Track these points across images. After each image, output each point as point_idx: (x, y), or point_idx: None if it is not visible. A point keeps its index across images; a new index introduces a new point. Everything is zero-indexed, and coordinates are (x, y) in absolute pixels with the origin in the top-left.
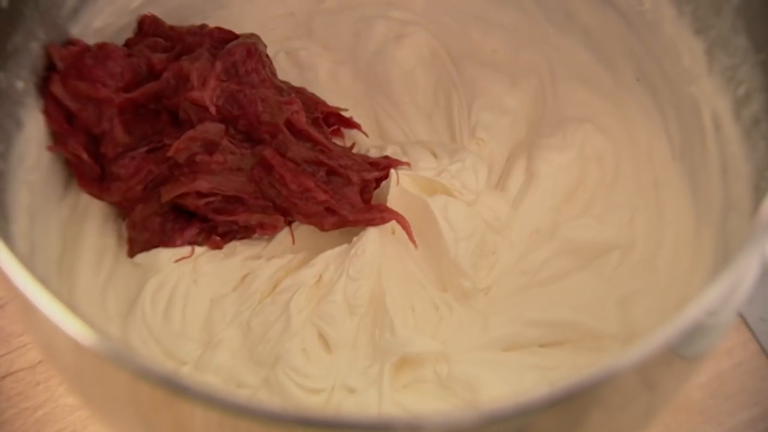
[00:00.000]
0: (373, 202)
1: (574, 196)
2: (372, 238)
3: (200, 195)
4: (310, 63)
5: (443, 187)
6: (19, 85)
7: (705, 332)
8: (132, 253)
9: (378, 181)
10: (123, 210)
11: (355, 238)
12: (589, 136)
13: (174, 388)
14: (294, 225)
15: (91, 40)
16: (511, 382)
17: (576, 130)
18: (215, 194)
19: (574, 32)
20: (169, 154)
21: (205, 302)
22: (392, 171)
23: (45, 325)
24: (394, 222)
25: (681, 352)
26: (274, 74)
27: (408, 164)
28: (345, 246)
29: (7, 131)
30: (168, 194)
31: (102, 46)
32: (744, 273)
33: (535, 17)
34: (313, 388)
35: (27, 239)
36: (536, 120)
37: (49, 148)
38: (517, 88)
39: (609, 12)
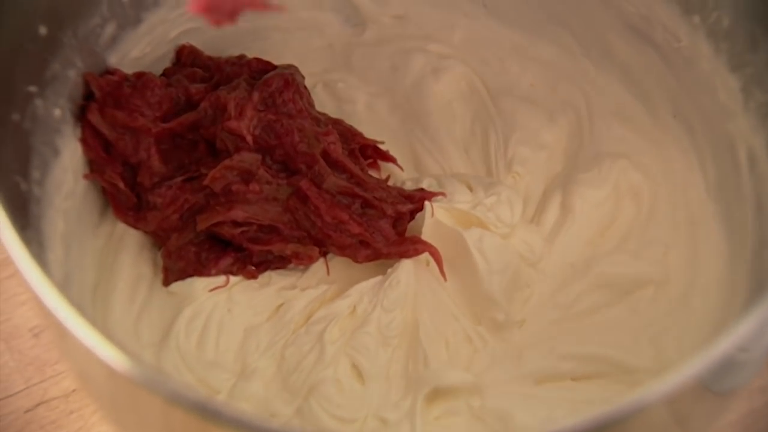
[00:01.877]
0: (408, 233)
1: (609, 231)
2: (406, 269)
3: (236, 224)
4: (347, 95)
5: (478, 220)
6: (57, 112)
7: (736, 368)
8: (167, 282)
9: (412, 214)
10: (158, 239)
11: (389, 270)
12: (624, 172)
13: (207, 413)
14: (329, 256)
15: (128, 69)
16: (544, 414)
17: (612, 165)
18: (251, 223)
19: (611, 68)
20: (205, 182)
21: (239, 332)
22: (427, 203)
23: (80, 352)
24: (428, 254)
25: (712, 387)
26: (311, 105)
27: (443, 194)
28: (379, 277)
29: (43, 158)
30: (204, 223)
31: (140, 76)
32: None
33: (573, 53)
34: (345, 418)
35: (62, 267)
36: (572, 155)
37: (86, 176)
38: (554, 123)
39: (646, 49)
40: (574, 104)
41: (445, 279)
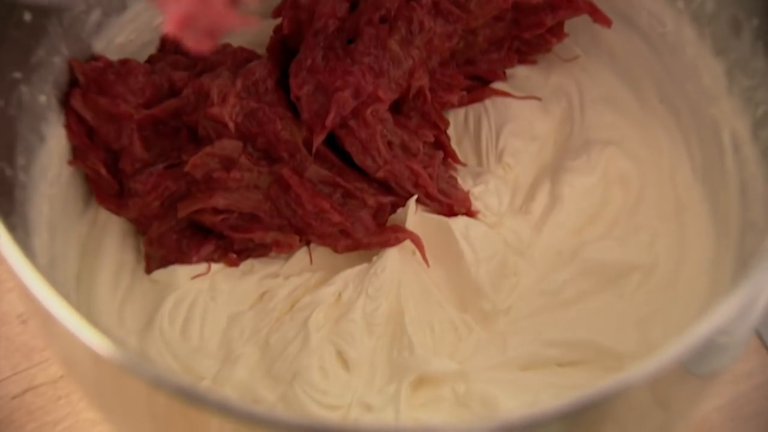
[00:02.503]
0: (392, 222)
1: (597, 218)
2: (392, 257)
3: (216, 211)
4: None
5: None
6: (42, 99)
7: (718, 351)
8: (149, 270)
9: (393, 207)
10: (140, 226)
11: (374, 258)
12: (613, 159)
13: (190, 397)
14: (312, 245)
15: (113, 56)
16: (528, 399)
17: (601, 152)
18: (231, 211)
19: (599, 55)
20: (186, 169)
21: (223, 319)
22: (411, 200)
23: (64, 338)
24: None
25: (693, 371)
26: None
27: None
28: (365, 265)
29: (29, 144)
30: (184, 210)
31: (124, 62)
32: (758, 292)
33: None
34: (330, 404)
35: (47, 253)
36: (563, 142)
37: (70, 163)
38: (547, 113)
39: (632, 34)
40: (566, 91)
41: (428, 265)
